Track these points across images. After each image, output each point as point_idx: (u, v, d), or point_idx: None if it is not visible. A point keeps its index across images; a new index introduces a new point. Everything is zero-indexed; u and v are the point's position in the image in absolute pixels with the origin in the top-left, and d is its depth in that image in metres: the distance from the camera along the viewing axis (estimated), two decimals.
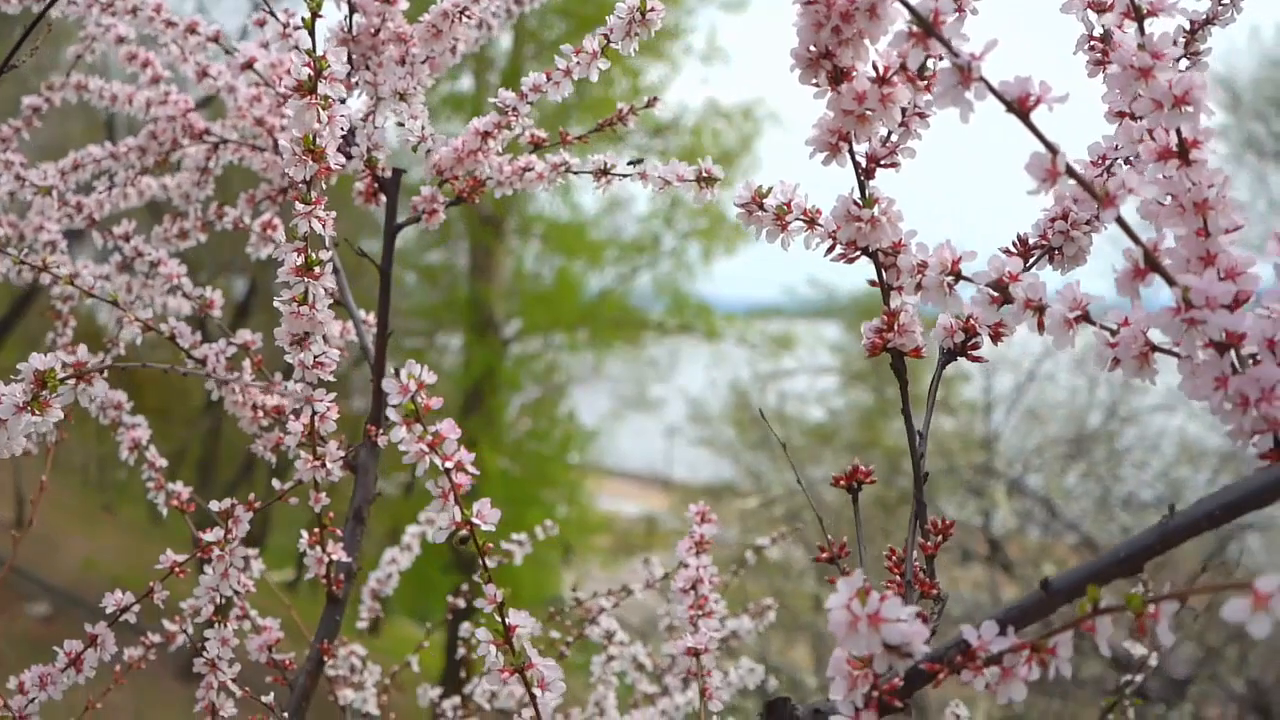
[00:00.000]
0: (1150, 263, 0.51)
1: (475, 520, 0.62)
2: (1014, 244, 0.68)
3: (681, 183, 0.85)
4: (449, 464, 0.61)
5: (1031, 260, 0.67)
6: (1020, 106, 0.50)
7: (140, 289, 1.13)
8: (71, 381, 0.66)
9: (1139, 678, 1.11)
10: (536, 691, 0.63)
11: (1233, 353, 0.51)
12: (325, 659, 0.98)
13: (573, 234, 12.05)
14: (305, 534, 0.95)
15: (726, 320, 11.78)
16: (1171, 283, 0.50)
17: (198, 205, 1.19)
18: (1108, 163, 0.67)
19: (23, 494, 8.06)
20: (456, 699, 1.30)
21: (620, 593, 1.33)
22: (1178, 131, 0.52)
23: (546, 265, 12.27)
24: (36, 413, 0.66)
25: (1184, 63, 0.71)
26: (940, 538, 0.64)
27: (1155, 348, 0.53)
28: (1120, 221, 0.50)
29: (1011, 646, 0.50)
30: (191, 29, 1.08)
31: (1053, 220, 0.67)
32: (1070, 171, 0.49)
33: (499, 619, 0.63)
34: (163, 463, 1.08)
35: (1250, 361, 0.51)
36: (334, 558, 0.96)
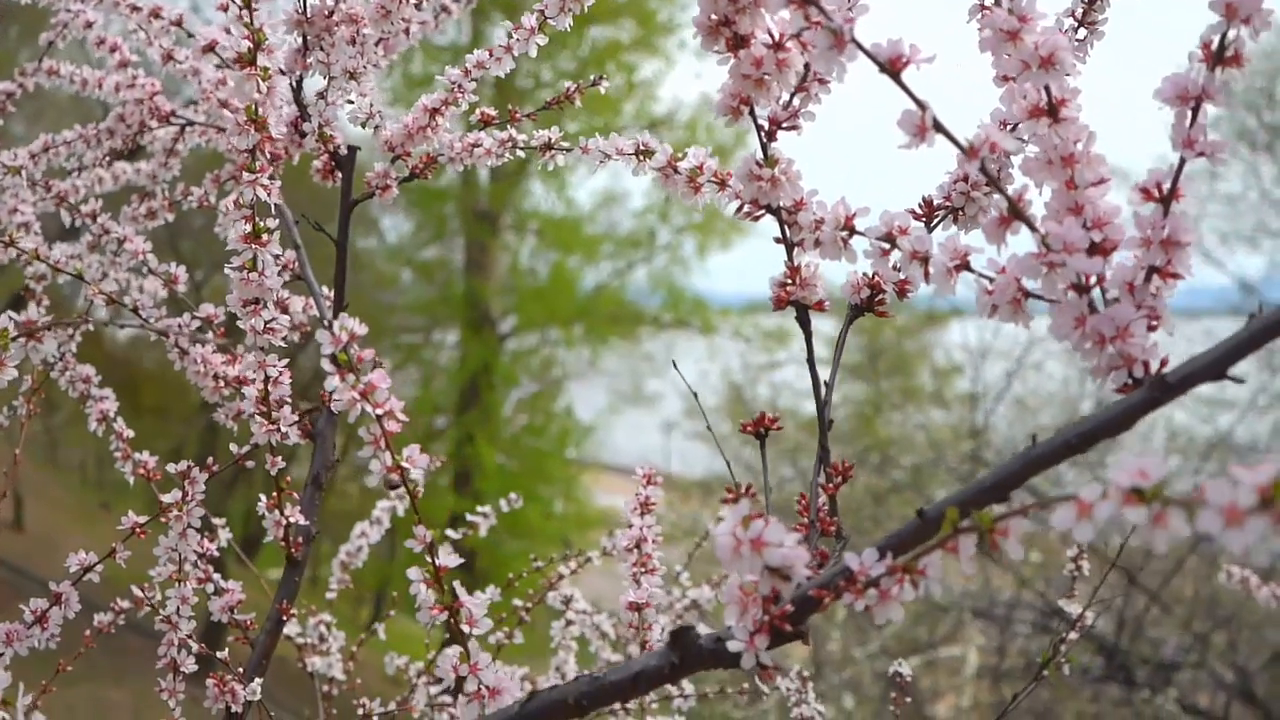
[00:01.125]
0: (1014, 212, 0.54)
1: (405, 465, 0.66)
2: (919, 205, 0.71)
3: (621, 155, 0.89)
4: (380, 411, 0.65)
5: (936, 220, 0.71)
6: (892, 67, 0.53)
7: (109, 267, 1.16)
8: (22, 340, 0.70)
9: (1073, 635, 1.15)
10: (465, 628, 0.67)
11: (1098, 294, 0.55)
12: (284, 618, 1.01)
13: (568, 229, 12.08)
14: (264, 498, 0.99)
15: (722, 315, 11.82)
16: (1034, 230, 0.54)
17: (164, 186, 1.23)
18: (1009, 127, 0.71)
19: (20, 494, 8.09)
20: (420, 664, 1.35)
21: (580, 558, 1.38)
22: (1046, 90, 0.56)
23: (542, 261, 12.30)
24: None
25: (1082, 31, 0.74)
26: (840, 479, 0.67)
27: (1028, 293, 0.57)
28: (985, 173, 0.54)
29: (888, 569, 0.54)
30: (155, 13, 1.12)
31: (955, 182, 0.70)
32: (938, 126, 0.53)
33: (429, 560, 0.67)
34: (130, 433, 1.11)
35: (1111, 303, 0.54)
36: (292, 521, 1.00)
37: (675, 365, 1.02)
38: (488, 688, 0.66)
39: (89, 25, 1.21)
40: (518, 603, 1.37)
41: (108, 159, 1.21)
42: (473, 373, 10.99)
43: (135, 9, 1.12)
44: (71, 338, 1.12)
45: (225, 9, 1.07)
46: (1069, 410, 7.53)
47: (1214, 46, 0.54)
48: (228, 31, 1.13)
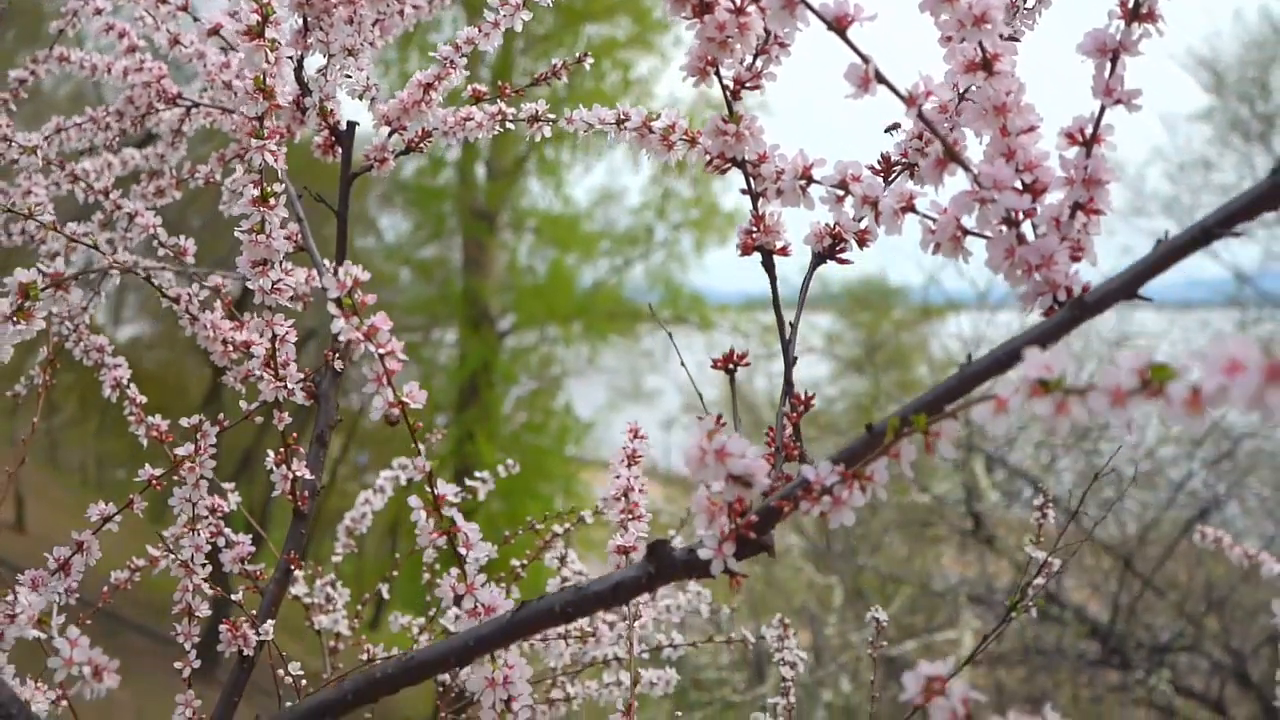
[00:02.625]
0: (950, 154, 0.60)
1: (405, 399, 0.72)
2: (878, 160, 0.77)
3: (604, 125, 0.94)
4: (382, 350, 0.71)
5: (894, 175, 0.77)
6: (839, 25, 0.59)
7: (120, 242, 1.22)
8: (50, 290, 0.75)
9: (1039, 580, 1.20)
10: (462, 551, 0.73)
11: (1028, 228, 0.61)
12: (292, 568, 1.07)
13: (565, 227, 12.14)
14: (271, 454, 1.05)
15: (720, 311, 11.87)
16: (968, 169, 0.60)
17: (172, 166, 1.29)
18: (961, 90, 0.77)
19: (21, 495, 8.14)
20: (423, 620, 1.40)
21: (572, 516, 1.43)
22: (980, 46, 0.62)
23: (540, 259, 12.36)
24: (20, 320, 0.75)
25: (1030, 1, 0.80)
26: (804, 407, 0.73)
27: (966, 230, 0.63)
28: (923, 119, 0.60)
29: (841, 478, 0.60)
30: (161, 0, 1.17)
31: (912, 139, 0.76)
32: (879, 78, 0.59)
33: (429, 489, 0.73)
34: (143, 399, 1.17)
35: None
36: (299, 475, 1.06)
37: (679, 353, 1.05)
38: (483, 605, 0.72)
39: (98, 12, 1.27)
40: (515, 562, 1.43)
41: (117, 142, 1.27)
42: (472, 371, 11.04)
43: None
44: (94, 297, 1.17)
45: None
46: None
47: (1129, 5, 0.60)
48: (232, 15, 1.19)
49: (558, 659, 1.30)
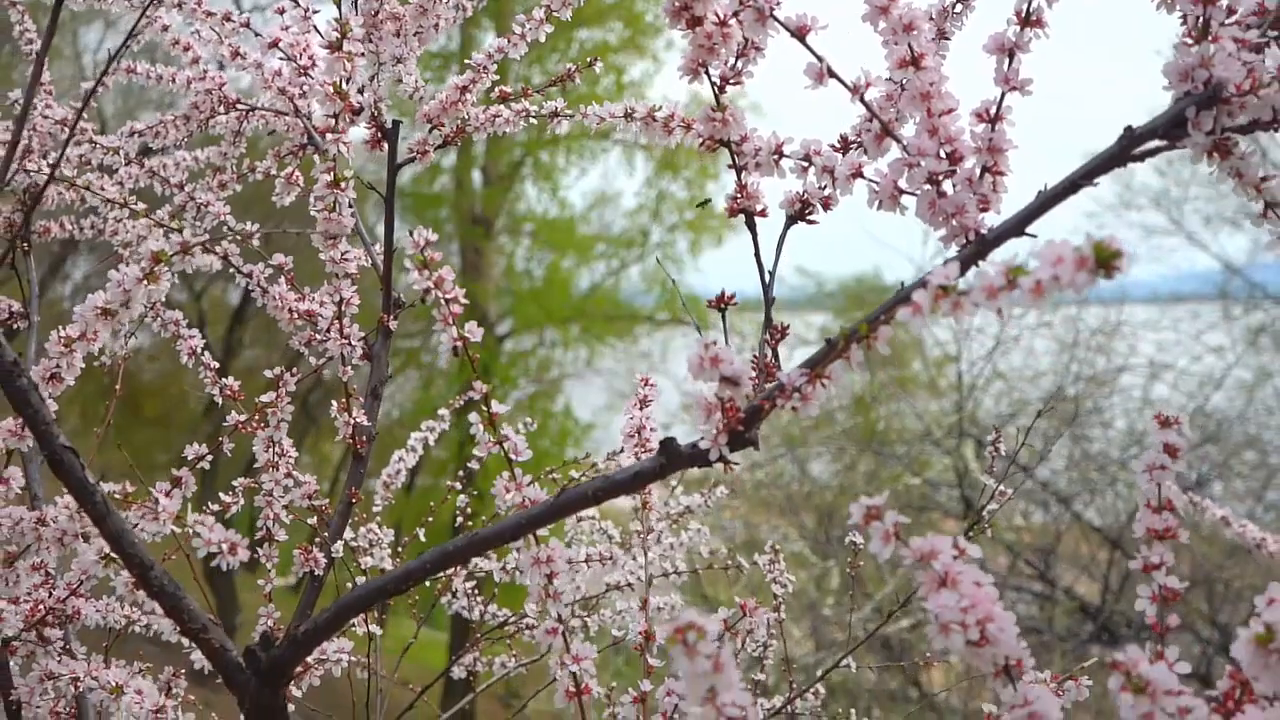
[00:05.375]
0: (886, 131, 0.79)
1: (466, 334, 0.90)
2: (838, 139, 0.96)
3: (614, 119, 1.13)
4: (448, 296, 0.89)
5: (849, 150, 0.95)
6: (800, 33, 0.78)
7: (193, 227, 1.40)
8: (180, 256, 0.94)
9: (991, 506, 1.39)
10: (512, 456, 0.92)
11: (949, 186, 0.80)
12: (353, 501, 1.26)
13: (561, 230, 12.32)
14: (335, 404, 1.24)
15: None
16: (899, 142, 0.78)
17: (233, 162, 1.47)
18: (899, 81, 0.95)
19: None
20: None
21: (589, 464, 1.62)
22: (910, 47, 0.81)
23: (537, 263, 12.55)
24: (151, 283, 0.93)
25: (960, 7, 0.99)
26: (780, 335, 0.92)
27: (901, 190, 0.82)
28: (865, 104, 0.78)
29: (807, 379, 0.78)
30: (226, 18, 1.36)
31: (862, 121, 0.95)
32: (831, 73, 0.77)
33: (485, 408, 0.92)
34: (215, 364, 1.36)
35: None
36: (358, 422, 1.24)
37: (703, 331, 1.22)
38: (529, 499, 0.91)
39: (166, 29, 1.45)
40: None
41: (185, 142, 1.46)
42: (472, 375, 11.19)
43: (210, 14, 1.36)
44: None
45: (283, 11, 1.32)
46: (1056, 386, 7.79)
47: (1023, 14, 0.79)
48: (285, 29, 1.37)
49: (575, 592, 1.49)
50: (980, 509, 1.36)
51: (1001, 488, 1.39)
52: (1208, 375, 8.01)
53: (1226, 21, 0.74)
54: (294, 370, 1.19)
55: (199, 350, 1.37)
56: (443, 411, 1.81)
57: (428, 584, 1.82)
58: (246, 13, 1.36)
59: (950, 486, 6.70)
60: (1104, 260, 0.56)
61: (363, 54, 1.22)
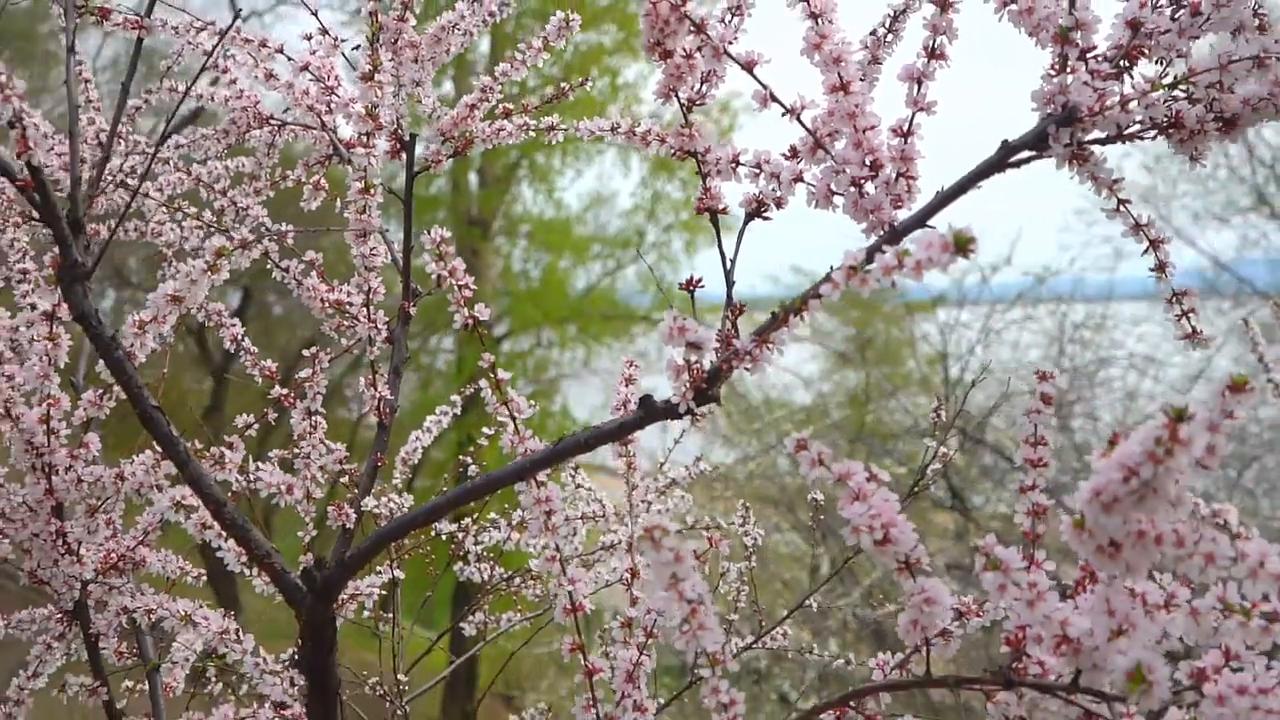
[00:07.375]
0: (818, 144, 0.98)
1: (476, 314, 1.09)
2: (788, 149, 1.15)
3: (601, 131, 1.32)
4: (461, 282, 1.08)
5: (796, 159, 1.14)
6: (748, 66, 0.97)
7: (232, 228, 1.59)
8: (238, 250, 1.13)
9: (934, 466, 1.57)
10: (516, 414, 1.11)
11: (870, 188, 0.99)
12: (379, 464, 1.45)
13: (558, 231, 12.51)
14: (362, 380, 1.43)
15: (712, 310, 12.23)
16: (828, 153, 0.97)
17: (266, 170, 1.66)
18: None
19: None
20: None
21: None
22: (838, 75, 1.00)
23: (533, 264, 12.73)
24: (214, 273, 1.12)
25: (890, 36, 1.18)
26: (739, 311, 1.11)
27: (833, 191, 1.00)
28: (800, 122, 0.97)
29: (756, 344, 0.97)
30: (263, 44, 1.55)
31: (804, 136, 1.14)
32: (773, 98, 0.96)
33: (493, 375, 1.11)
34: (255, 350, 1.54)
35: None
36: (384, 395, 1.43)
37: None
38: (530, 450, 1.10)
39: (208, 54, 1.64)
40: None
41: (225, 153, 1.65)
42: (470, 376, 11.37)
43: (247, 41, 1.55)
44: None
45: (309, 38, 1.51)
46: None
47: (929, 49, 0.98)
48: (312, 52, 1.56)
49: (574, 549, 1.68)
50: (924, 466, 1.54)
51: (944, 450, 1.57)
52: (1195, 369, 8.22)
53: (1089, 55, 0.93)
54: (327, 351, 1.38)
55: (240, 337, 1.56)
56: (455, 398, 2.00)
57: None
58: (245, 16, 1.54)
59: (936, 474, 6.89)
60: (961, 245, 0.75)
61: (389, 81, 1.41)
